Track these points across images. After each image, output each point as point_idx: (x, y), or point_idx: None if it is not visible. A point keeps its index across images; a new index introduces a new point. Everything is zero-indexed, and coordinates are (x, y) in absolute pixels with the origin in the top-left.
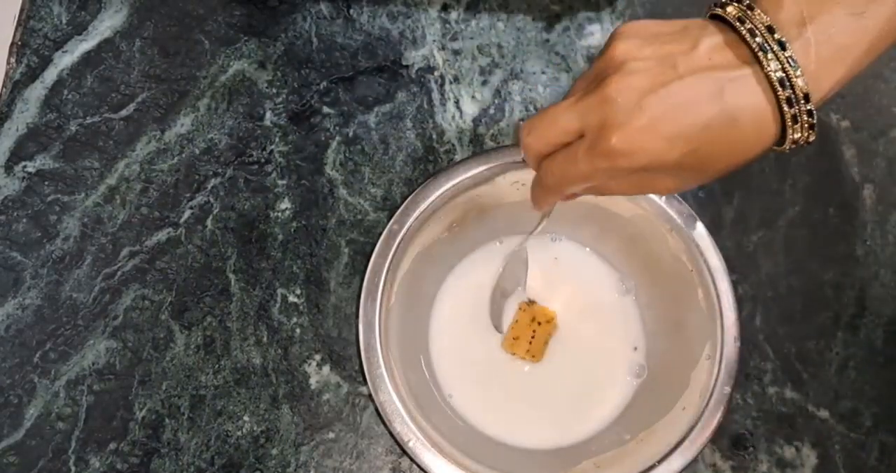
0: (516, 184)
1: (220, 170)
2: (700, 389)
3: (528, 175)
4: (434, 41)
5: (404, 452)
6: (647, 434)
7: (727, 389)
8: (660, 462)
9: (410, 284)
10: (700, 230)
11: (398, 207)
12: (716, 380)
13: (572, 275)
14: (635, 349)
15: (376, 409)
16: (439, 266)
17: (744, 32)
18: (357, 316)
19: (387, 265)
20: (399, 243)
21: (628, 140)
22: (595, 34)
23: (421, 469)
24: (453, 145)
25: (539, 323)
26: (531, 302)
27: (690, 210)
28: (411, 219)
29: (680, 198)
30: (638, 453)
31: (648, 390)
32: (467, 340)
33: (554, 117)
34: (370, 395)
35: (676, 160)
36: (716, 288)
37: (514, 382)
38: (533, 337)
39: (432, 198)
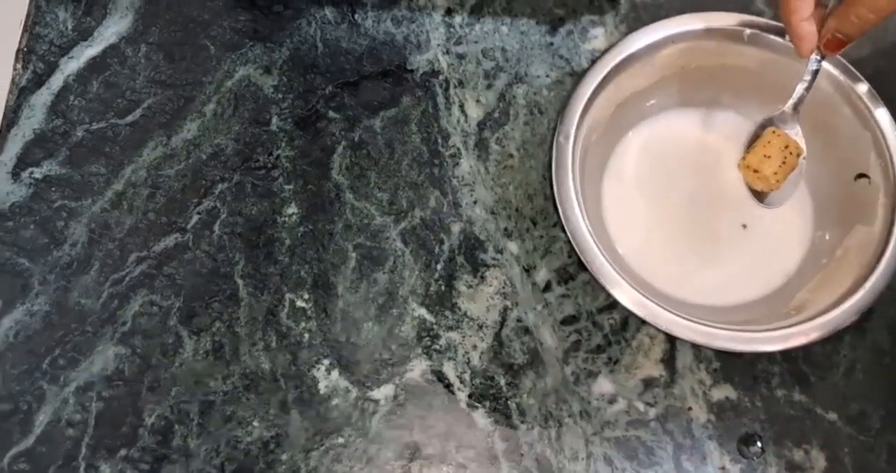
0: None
1: (226, 176)
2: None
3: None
4: (438, 45)
5: (606, 290)
6: (845, 251)
7: None
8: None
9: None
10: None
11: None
12: None
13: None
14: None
15: (572, 247)
16: (614, 134)
17: None
18: (550, 157)
19: (579, 110)
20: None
21: None
22: (598, 37)
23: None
24: (458, 149)
25: (791, 153)
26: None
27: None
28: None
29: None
30: (843, 267)
31: (831, 219)
32: (643, 208)
33: None
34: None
35: None
36: (881, 131)
37: (703, 248)
38: (783, 163)
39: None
